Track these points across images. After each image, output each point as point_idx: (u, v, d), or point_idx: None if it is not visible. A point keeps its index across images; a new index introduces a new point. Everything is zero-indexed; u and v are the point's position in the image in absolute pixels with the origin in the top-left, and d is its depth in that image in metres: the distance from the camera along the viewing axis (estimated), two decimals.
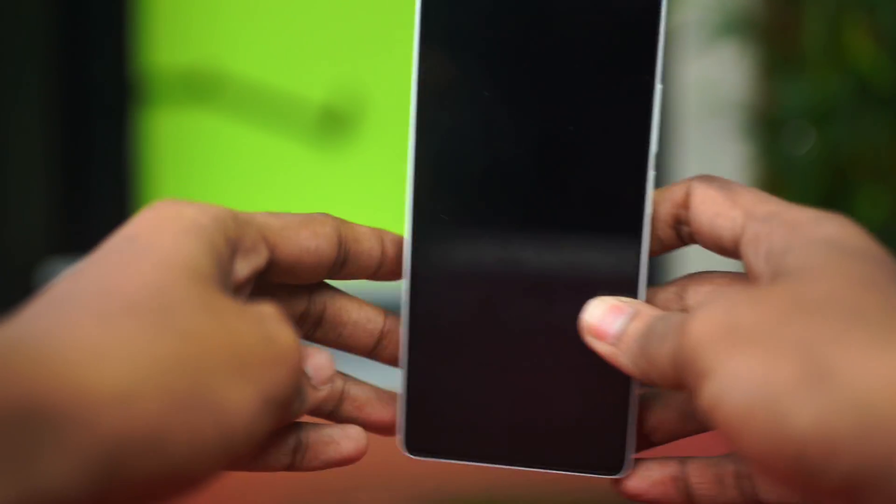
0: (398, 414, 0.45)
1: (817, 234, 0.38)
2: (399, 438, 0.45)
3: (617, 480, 0.44)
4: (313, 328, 0.45)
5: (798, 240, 0.37)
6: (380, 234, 0.45)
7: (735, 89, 1.72)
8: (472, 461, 0.44)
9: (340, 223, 0.44)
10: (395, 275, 0.46)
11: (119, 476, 0.29)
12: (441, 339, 0.44)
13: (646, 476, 0.44)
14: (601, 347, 0.42)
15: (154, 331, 0.32)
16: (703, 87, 1.73)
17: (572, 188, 0.43)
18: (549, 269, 0.43)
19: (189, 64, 1.94)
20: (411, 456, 0.44)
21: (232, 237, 0.38)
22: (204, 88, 1.93)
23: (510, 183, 0.43)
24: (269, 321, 0.36)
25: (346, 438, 0.44)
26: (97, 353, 0.30)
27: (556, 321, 0.43)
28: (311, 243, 0.42)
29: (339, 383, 0.45)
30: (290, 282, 0.43)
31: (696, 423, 0.44)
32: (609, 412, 0.43)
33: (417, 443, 0.44)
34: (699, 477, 0.43)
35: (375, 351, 0.46)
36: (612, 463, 0.43)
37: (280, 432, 0.43)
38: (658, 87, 0.42)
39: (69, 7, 1.90)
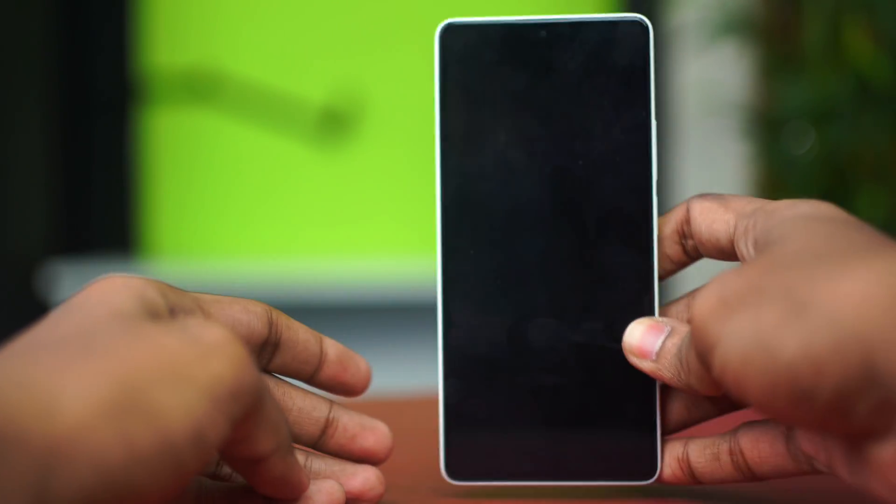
0: (439, 442, 0.47)
1: (792, 212, 0.42)
2: (441, 466, 0.47)
3: None
4: None
5: (776, 220, 0.42)
6: (318, 335, 0.46)
7: (734, 89, 1.73)
8: (513, 481, 0.47)
9: (272, 309, 0.45)
10: (338, 383, 0.47)
11: (56, 488, 0.30)
12: (474, 367, 0.47)
13: None
14: (645, 365, 0.45)
15: (78, 356, 0.33)
16: (702, 87, 1.73)
17: (586, 217, 0.47)
18: (571, 293, 0.47)
19: (189, 65, 1.94)
20: (454, 482, 0.47)
21: (169, 296, 0.40)
22: (204, 89, 1.94)
23: (530, 217, 0.47)
24: (192, 327, 0.37)
25: (320, 493, 0.43)
26: (25, 384, 0.32)
27: (583, 341, 0.47)
28: (242, 316, 0.44)
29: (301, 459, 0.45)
30: None
31: (700, 411, 0.47)
32: (639, 424, 0.47)
33: (458, 468, 0.47)
34: (699, 456, 0.46)
35: (320, 440, 0.46)
36: (646, 469, 0.47)
37: (247, 494, 0.43)
38: (654, 122, 0.47)
39: (70, 9, 1.90)
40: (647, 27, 0.47)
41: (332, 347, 0.46)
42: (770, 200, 0.44)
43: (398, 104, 1.93)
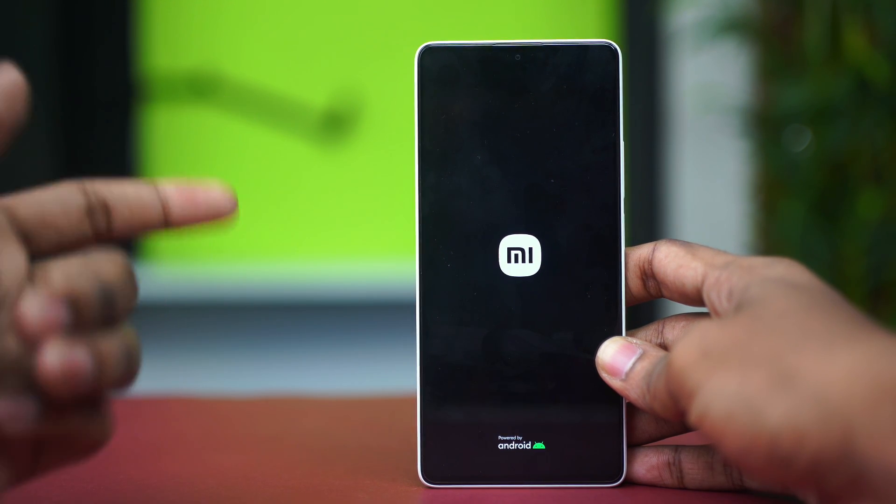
0: (417, 446, 0.50)
1: (770, 273, 0.45)
2: (418, 469, 0.50)
3: None
4: None
5: (755, 278, 0.45)
6: (152, 182, 0.44)
7: (733, 89, 1.73)
8: (487, 484, 0.50)
9: (87, 180, 0.43)
10: (194, 212, 0.44)
11: None
12: (450, 374, 0.50)
13: (644, 461, 0.50)
14: (614, 383, 0.48)
15: None
16: (701, 87, 1.74)
17: (557, 233, 0.50)
18: (542, 306, 0.50)
19: (190, 68, 1.95)
20: (430, 485, 0.50)
21: None
22: (205, 93, 1.94)
23: (503, 233, 0.50)
24: None
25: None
26: None
27: (553, 351, 0.50)
28: (47, 195, 0.42)
29: None
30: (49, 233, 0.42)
31: (668, 427, 0.50)
32: (606, 429, 0.50)
33: (435, 472, 0.50)
34: (691, 463, 0.49)
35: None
36: (613, 472, 0.50)
37: None
38: (622, 142, 0.50)
39: (71, 11, 1.91)
40: (616, 52, 0.50)
41: (171, 185, 0.44)
42: (742, 256, 0.47)
43: (398, 107, 1.93)
